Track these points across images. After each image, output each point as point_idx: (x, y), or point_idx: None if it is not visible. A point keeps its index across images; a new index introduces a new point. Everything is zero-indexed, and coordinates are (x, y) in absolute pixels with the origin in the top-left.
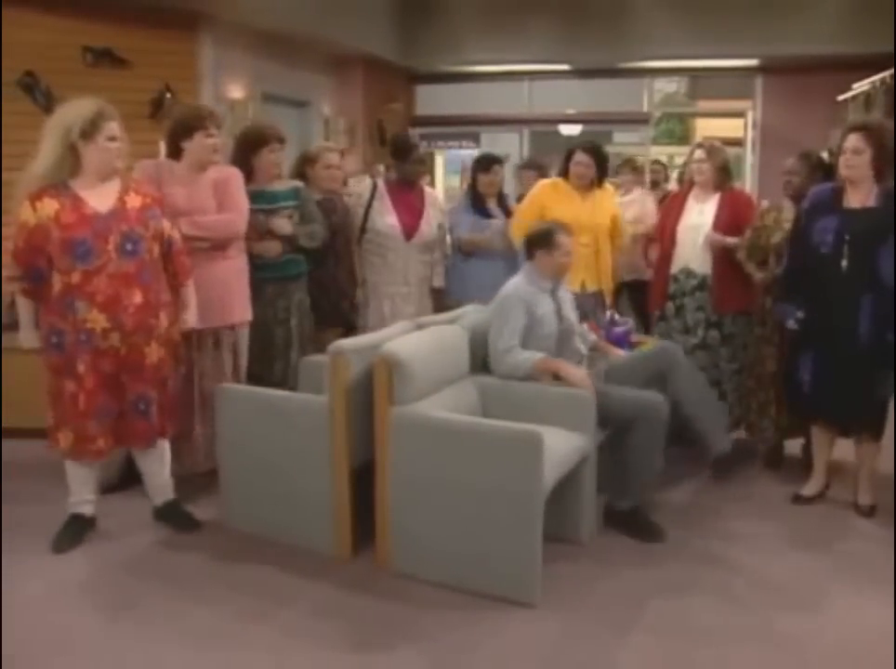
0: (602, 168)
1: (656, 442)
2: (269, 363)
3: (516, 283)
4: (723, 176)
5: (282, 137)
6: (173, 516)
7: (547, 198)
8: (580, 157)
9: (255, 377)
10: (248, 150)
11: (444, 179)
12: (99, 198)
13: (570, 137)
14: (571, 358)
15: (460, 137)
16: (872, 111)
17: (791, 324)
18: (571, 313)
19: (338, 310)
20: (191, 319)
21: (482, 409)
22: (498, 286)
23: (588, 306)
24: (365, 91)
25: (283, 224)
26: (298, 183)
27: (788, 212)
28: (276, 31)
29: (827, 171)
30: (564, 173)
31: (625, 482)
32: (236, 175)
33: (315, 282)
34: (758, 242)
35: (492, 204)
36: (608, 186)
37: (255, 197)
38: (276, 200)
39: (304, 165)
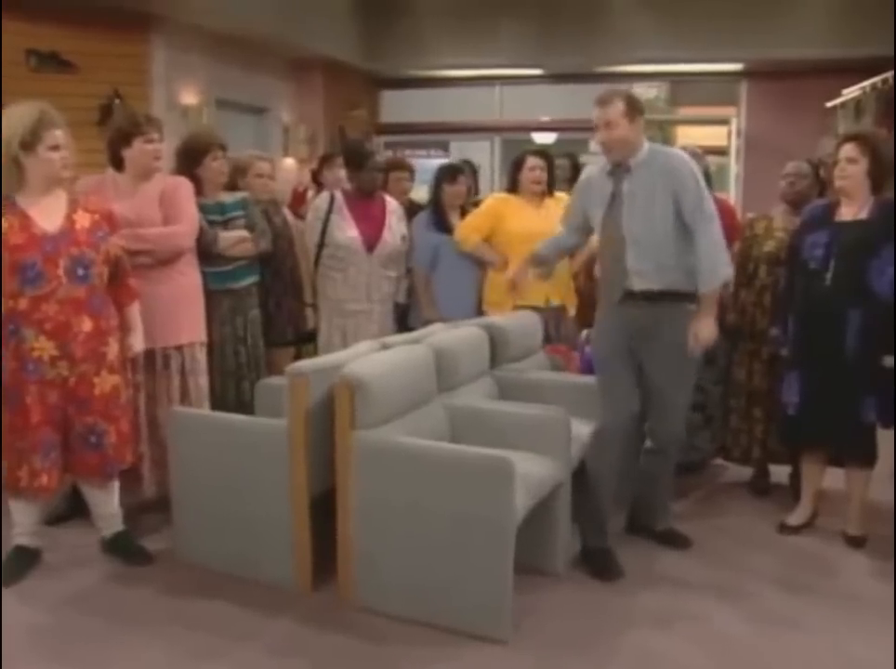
0: (553, 176)
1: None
2: (236, 384)
3: None
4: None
5: (223, 144)
6: (122, 548)
7: (502, 209)
8: (534, 161)
9: (221, 400)
10: (190, 160)
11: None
12: (47, 215)
13: (544, 146)
14: None
15: (428, 146)
16: (863, 118)
17: (785, 353)
18: None
19: (287, 328)
20: (137, 343)
21: (451, 434)
22: (467, 303)
23: (552, 321)
24: (327, 97)
25: (240, 235)
26: (244, 193)
27: (781, 220)
28: (232, 33)
29: (821, 183)
30: (513, 185)
31: (594, 515)
32: (185, 184)
33: (261, 296)
34: (749, 254)
35: (455, 218)
36: (560, 195)
37: (205, 209)
38: (226, 211)
39: (235, 175)
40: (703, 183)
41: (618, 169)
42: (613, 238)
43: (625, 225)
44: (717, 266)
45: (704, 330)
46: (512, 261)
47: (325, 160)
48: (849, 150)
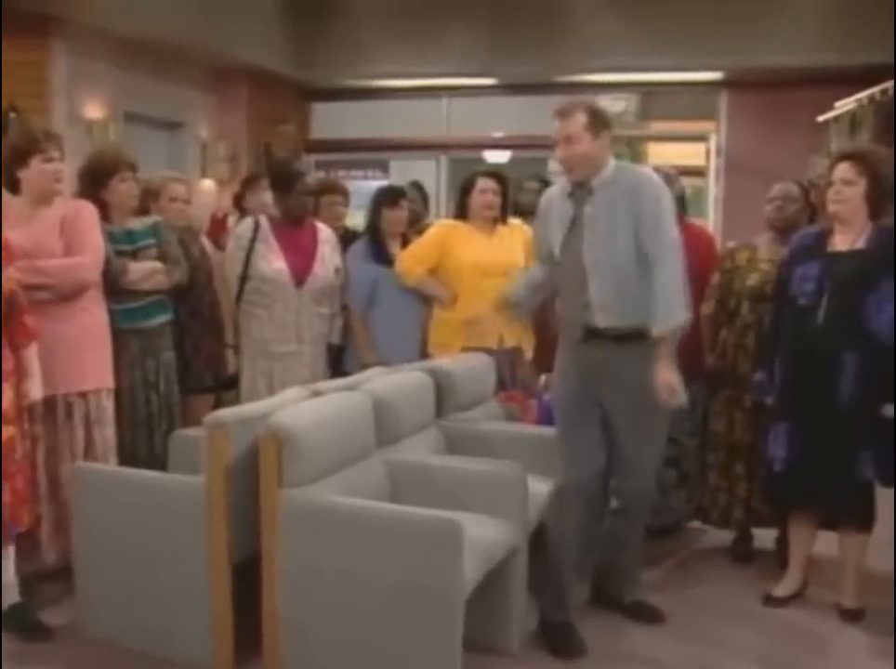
0: (506, 200)
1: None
2: (147, 436)
3: None
4: (677, 209)
5: (132, 163)
6: (19, 622)
7: (449, 237)
8: (485, 183)
9: (131, 454)
10: (95, 181)
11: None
12: None
13: (497, 166)
14: None
15: (365, 166)
16: (859, 133)
17: (770, 401)
18: None
19: (205, 373)
20: (35, 389)
21: (391, 492)
22: (410, 344)
23: (506, 365)
24: (251, 110)
25: (152, 266)
26: (156, 218)
27: (766, 249)
28: (143, 37)
29: (812, 208)
30: (462, 211)
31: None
32: (88, 209)
33: (176, 337)
34: (730, 287)
35: (396, 248)
36: (514, 221)
37: (112, 237)
38: (136, 239)
39: (146, 199)
40: (667, 208)
41: (579, 190)
42: (573, 268)
43: (585, 253)
44: (672, 308)
45: (662, 375)
46: (461, 297)
47: (249, 182)
48: (843, 170)
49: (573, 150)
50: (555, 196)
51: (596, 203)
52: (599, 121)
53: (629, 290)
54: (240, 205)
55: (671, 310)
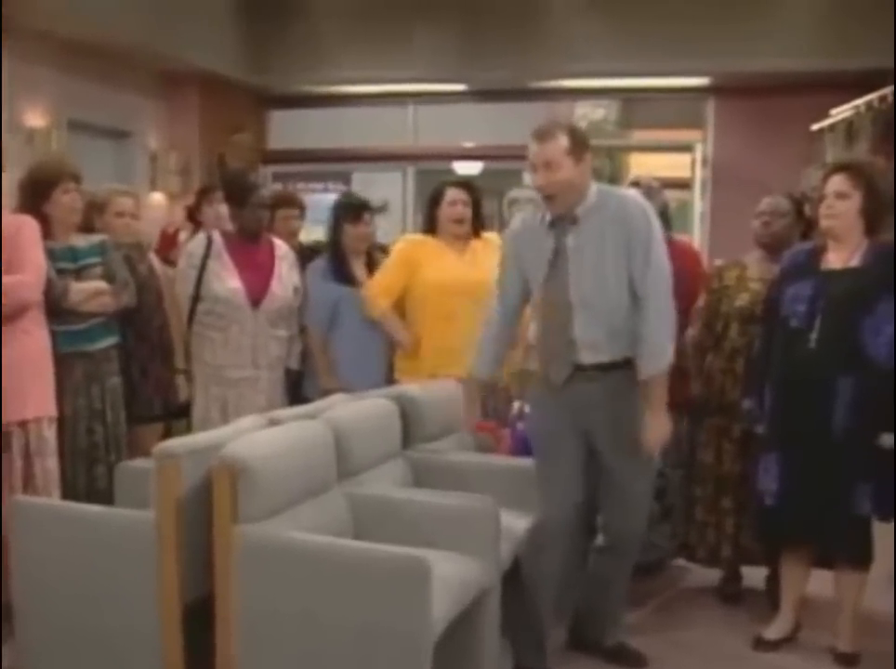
0: (479, 212)
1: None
2: (91, 467)
3: None
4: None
5: (76, 175)
6: None
7: (416, 254)
8: (455, 194)
9: (74, 487)
10: (36, 194)
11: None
12: None
13: (468, 177)
14: None
15: (326, 178)
16: (856, 143)
17: (760, 430)
18: None
19: (154, 400)
20: None
21: (354, 528)
22: (374, 369)
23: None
24: (203, 118)
25: (97, 286)
26: (102, 236)
27: (756, 268)
28: (88, 40)
29: (805, 223)
30: (430, 224)
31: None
32: (29, 225)
33: (122, 361)
34: (718, 309)
35: (359, 266)
36: (489, 235)
37: (54, 255)
38: (80, 257)
39: (91, 213)
40: (657, 237)
41: (561, 220)
42: (557, 303)
43: (572, 288)
44: (660, 349)
45: (656, 429)
46: (427, 322)
47: (202, 194)
48: (837, 182)
49: (554, 177)
50: (530, 225)
51: (581, 234)
52: (580, 144)
53: (620, 325)
54: (193, 220)
55: (661, 352)
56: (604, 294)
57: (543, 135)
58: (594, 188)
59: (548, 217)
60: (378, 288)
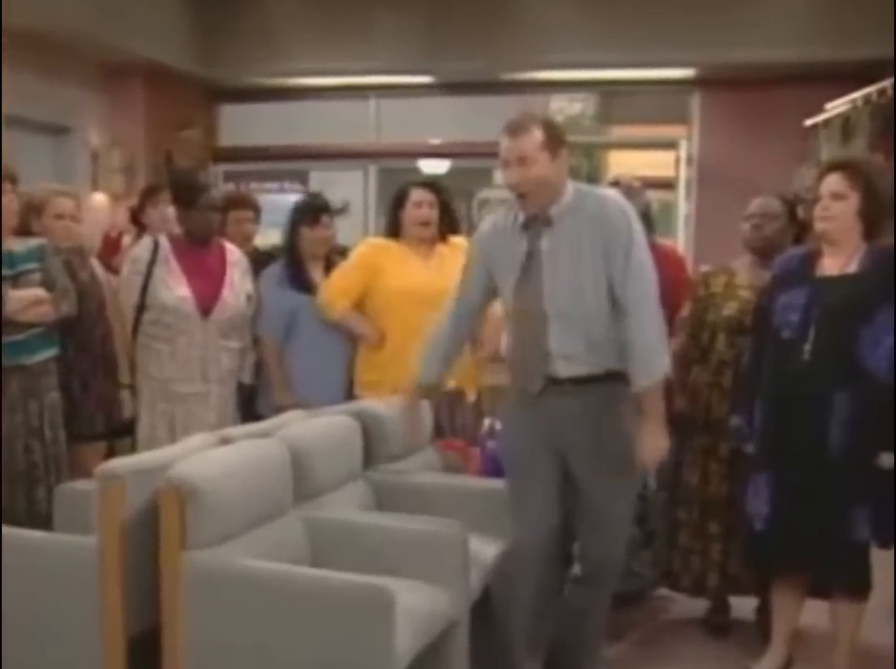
0: (448, 215)
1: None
2: (29, 489)
3: None
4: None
5: (12, 174)
6: None
7: (378, 259)
8: (420, 195)
9: (9, 510)
10: None
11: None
12: None
13: (434, 176)
14: None
15: (282, 177)
16: (853, 140)
17: (750, 449)
18: None
19: (97, 416)
20: None
21: (312, 555)
22: (334, 383)
23: (446, 409)
24: (149, 113)
25: (35, 294)
26: (41, 240)
27: (745, 274)
28: (25, 30)
29: (798, 226)
30: (394, 228)
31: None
32: None
33: (62, 375)
34: (704, 318)
35: (317, 273)
36: (457, 240)
37: None
38: (16, 263)
39: (28, 216)
40: (640, 241)
41: (534, 221)
42: (530, 312)
43: (546, 295)
44: (653, 359)
45: (651, 444)
46: (392, 331)
47: (147, 195)
48: (833, 182)
49: (528, 174)
50: (501, 227)
51: (556, 236)
52: (556, 138)
53: (598, 335)
54: (137, 222)
55: (652, 362)
56: (581, 301)
57: (516, 128)
58: (570, 187)
59: (521, 218)
60: (335, 290)
